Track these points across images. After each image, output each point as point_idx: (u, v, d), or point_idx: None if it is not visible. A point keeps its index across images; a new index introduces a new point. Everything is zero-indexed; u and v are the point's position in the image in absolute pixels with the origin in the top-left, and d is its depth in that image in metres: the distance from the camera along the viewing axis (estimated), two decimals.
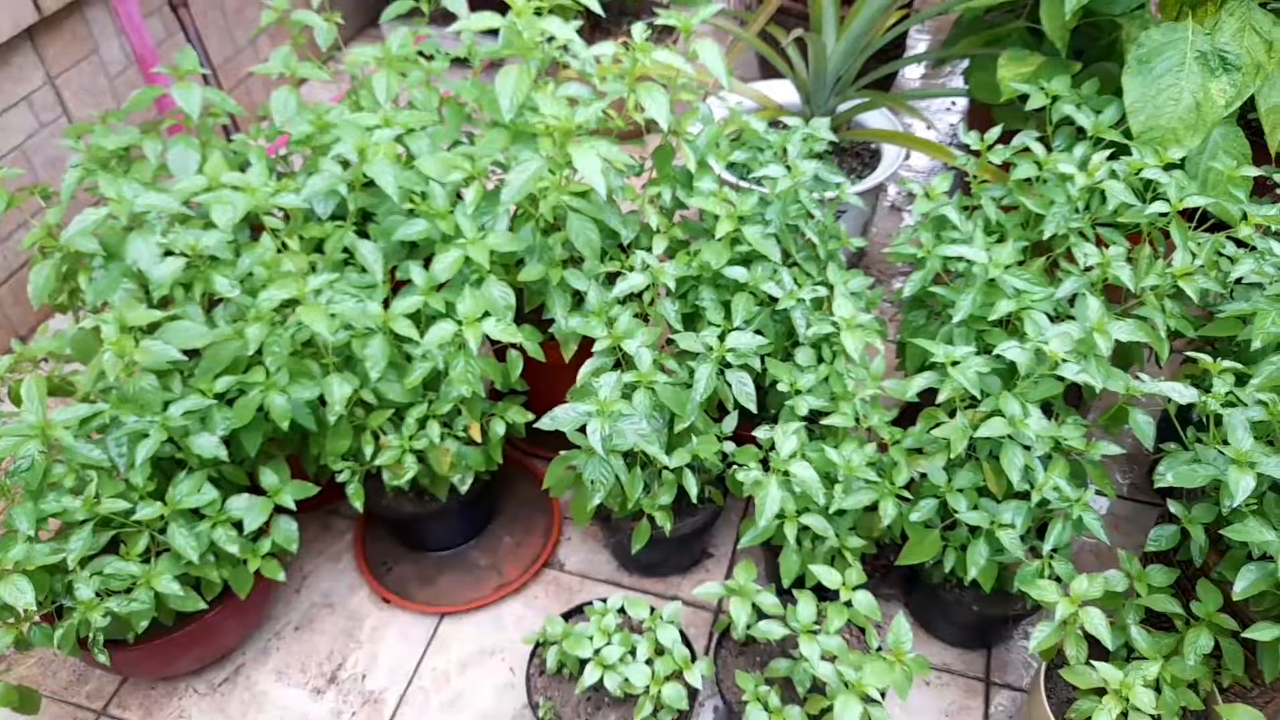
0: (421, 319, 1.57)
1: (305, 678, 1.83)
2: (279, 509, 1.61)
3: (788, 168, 1.68)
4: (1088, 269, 1.62)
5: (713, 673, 1.60)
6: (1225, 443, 1.33)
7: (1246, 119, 2.08)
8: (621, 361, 1.62)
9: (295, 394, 1.52)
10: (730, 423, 1.70)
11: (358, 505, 1.65)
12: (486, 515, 2.05)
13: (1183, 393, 1.37)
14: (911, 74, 3.42)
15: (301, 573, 2.01)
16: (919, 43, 3.59)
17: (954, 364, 1.45)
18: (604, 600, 1.62)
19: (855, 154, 2.48)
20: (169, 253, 1.56)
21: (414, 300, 1.55)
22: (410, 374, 1.55)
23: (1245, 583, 1.28)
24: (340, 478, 1.65)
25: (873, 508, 1.57)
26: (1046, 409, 1.66)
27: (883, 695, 1.54)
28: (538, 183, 1.59)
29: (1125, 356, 1.78)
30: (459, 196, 1.68)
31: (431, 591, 1.95)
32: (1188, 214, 1.81)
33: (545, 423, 1.44)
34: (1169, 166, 1.66)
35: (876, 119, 2.42)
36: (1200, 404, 1.35)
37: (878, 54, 2.38)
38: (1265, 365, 1.31)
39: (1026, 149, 1.73)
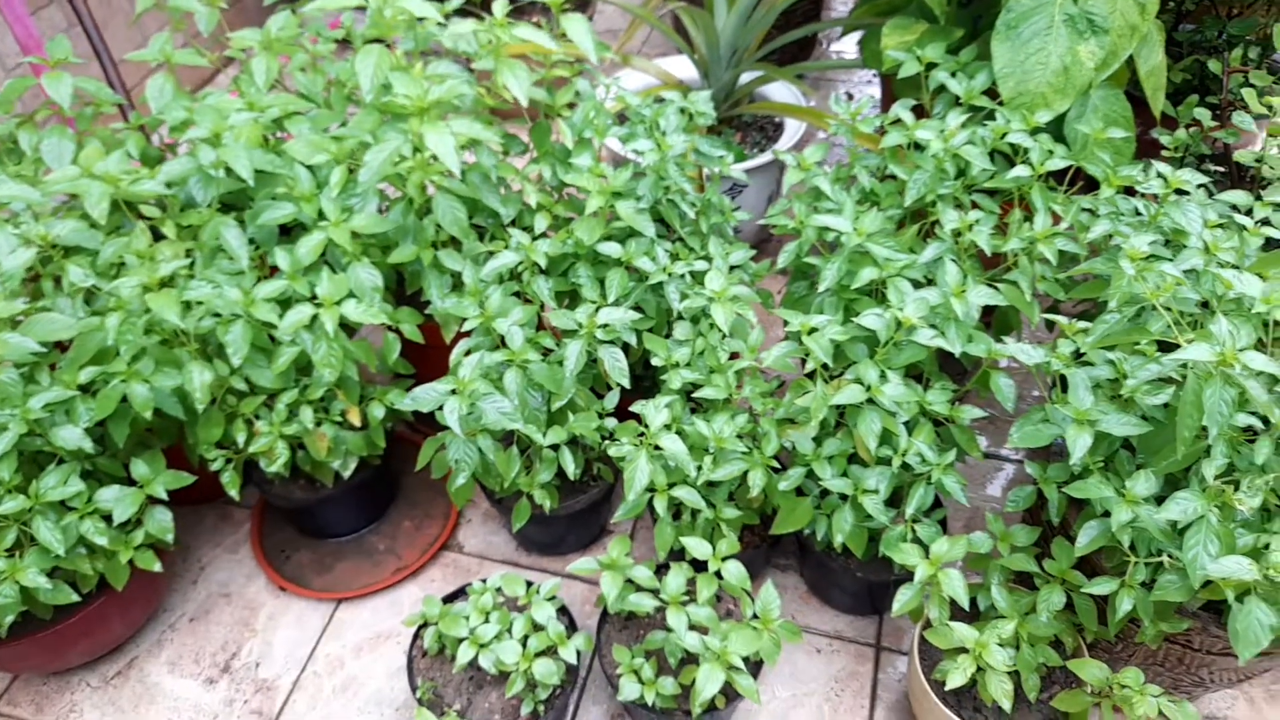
0: (292, 304, 1.56)
1: (199, 668, 1.82)
2: (153, 499, 1.60)
3: (657, 143, 1.67)
4: (956, 234, 1.62)
5: (592, 647, 1.60)
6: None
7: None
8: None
9: (158, 383, 1.51)
10: (612, 399, 1.70)
11: (233, 493, 1.65)
12: (385, 500, 2.04)
13: (1030, 353, 1.38)
14: (848, 42, 3.40)
15: (199, 564, 2.00)
16: (845, 7, 3.57)
17: (810, 332, 1.45)
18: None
19: (760, 128, 2.48)
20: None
21: (278, 285, 1.53)
22: (278, 359, 1.54)
23: (1086, 538, 1.29)
24: (214, 466, 1.64)
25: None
26: (919, 377, 1.67)
27: (759, 665, 1.57)
28: (399, 163, 1.58)
29: (1004, 323, 1.80)
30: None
31: (329, 578, 1.95)
32: (1063, 178, 1.83)
33: (405, 403, 1.44)
34: (1035, 131, 1.67)
35: (780, 91, 2.42)
36: (1044, 365, 1.37)
37: (794, 22, 2.37)
38: (1099, 324, 1.32)
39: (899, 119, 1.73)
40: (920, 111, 1.95)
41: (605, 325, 1.59)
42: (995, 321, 1.80)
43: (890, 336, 1.47)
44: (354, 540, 2.01)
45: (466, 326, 1.59)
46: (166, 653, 1.85)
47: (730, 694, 1.57)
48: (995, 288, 1.59)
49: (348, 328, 1.74)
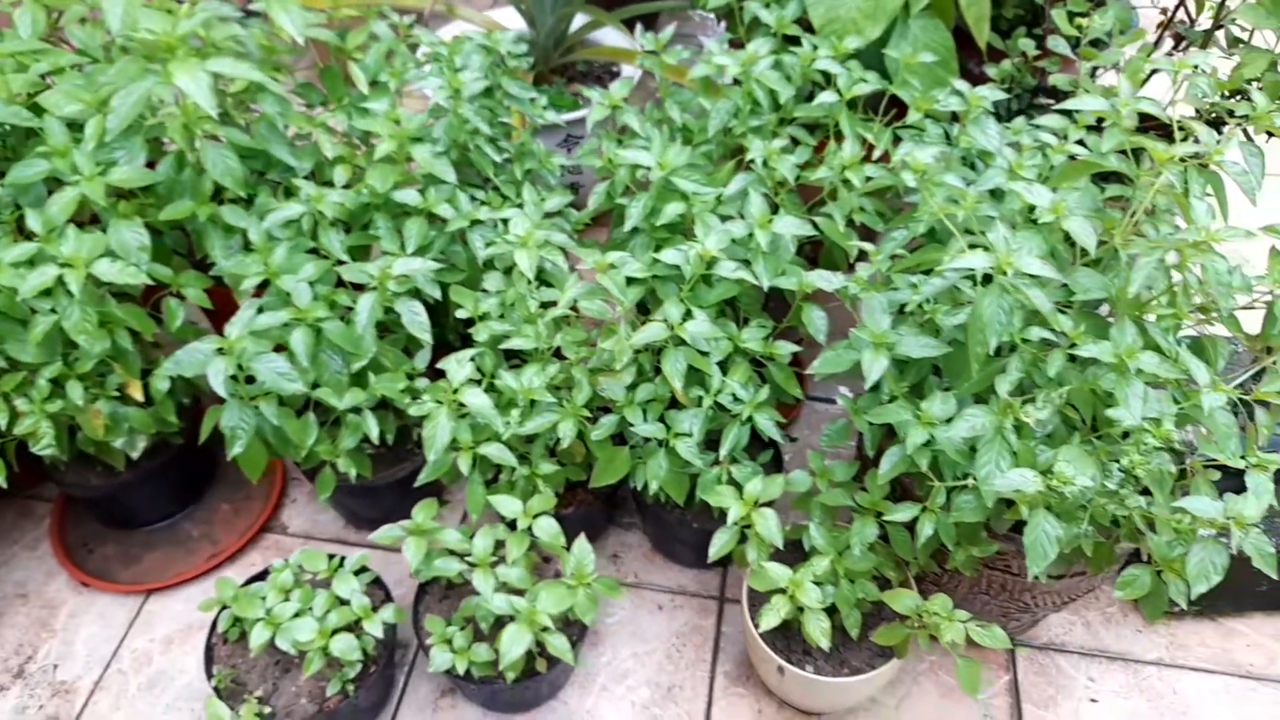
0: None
1: None
2: None
3: (449, 81, 1.57)
4: (769, 167, 1.56)
5: (405, 619, 1.51)
6: None
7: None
8: None
9: None
10: (423, 358, 1.60)
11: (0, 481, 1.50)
12: (199, 482, 1.91)
13: (830, 280, 1.33)
14: None
15: None
16: None
17: (607, 269, 1.37)
18: None
19: (597, 77, 2.39)
20: None
21: (28, 248, 1.39)
22: (34, 329, 1.39)
23: (888, 464, 1.25)
24: None
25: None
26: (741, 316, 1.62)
27: (583, 626, 1.49)
28: (159, 109, 1.44)
29: (831, 258, 1.75)
30: None
31: (137, 570, 1.81)
32: (881, 109, 1.78)
33: (167, 368, 1.31)
34: (846, 58, 1.61)
35: (613, 37, 2.34)
36: (842, 289, 1.32)
37: None
38: (886, 242, 1.28)
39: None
40: (739, 46, 1.88)
41: (401, 277, 1.48)
42: (822, 257, 1.75)
43: (696, 272, 1.40)
44: (166, 528, 1.87)
45: (247, 284, 1.47)
46: None
47: (553, 657, 1.50)
48: (812, 221, 1.53)
49: (127, 294, 1.59)
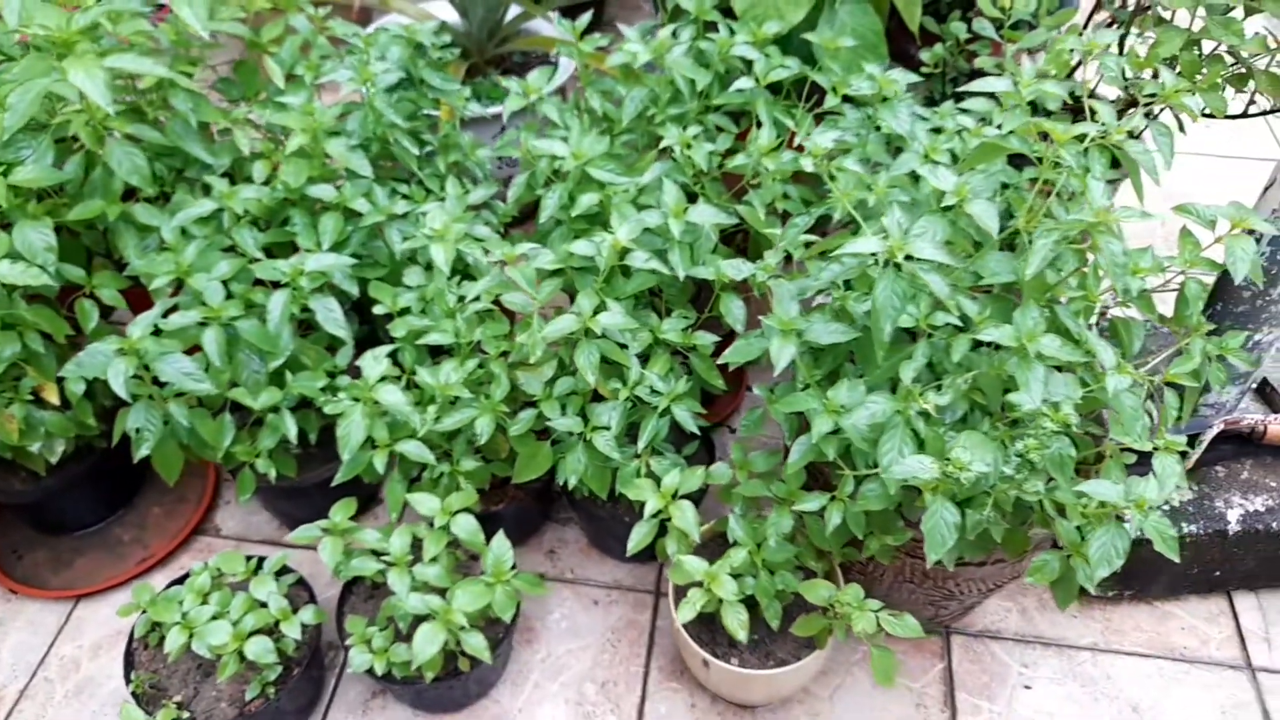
0: None
1: None
2: None
3: (359, 72, 1.55)
4: (689, 156, 1.54)
5: (326, 619, 1.49)
6: None
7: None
8: None
9: None
10: (345, 355, 1.58)
11: None
12: (130, 486, 1.88)
13: (739, 268, 1.31)
14: None
15: None
16: None
17: (519, 260, 1.36)
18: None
19: (535, 68, 2.36)
20: None
21: None
22: None
23: (797, 454, 1.24)
24: None
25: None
26: (660, 308, 1.60)
27: (511, 621, 1.47)
28: (62, 107, 1.42)
29: (758, 247, 1.73)
30: None
31: (68, 575, 1.78)
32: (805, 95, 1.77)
33: (69, 369, 1.29)
34: (766, 43, 1.60)
35: (548, 27, 2.31)
36: (751, 277, 1.30)
37: None
38: (789, 229, 1.26)
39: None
40: None
41: (315, 273, 1.46)
42: (750, 247, 1.74)
43: (609, 264, 1.38)
44: (97, 533, 1.85)
45: (158, 283, 1.44)
46: None
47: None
48: (734, 210, 1.52)
49: (42, 297, 1.57)
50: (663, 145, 1.47)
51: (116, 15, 1.43)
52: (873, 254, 1.07)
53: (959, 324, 1.20)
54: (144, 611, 1.47)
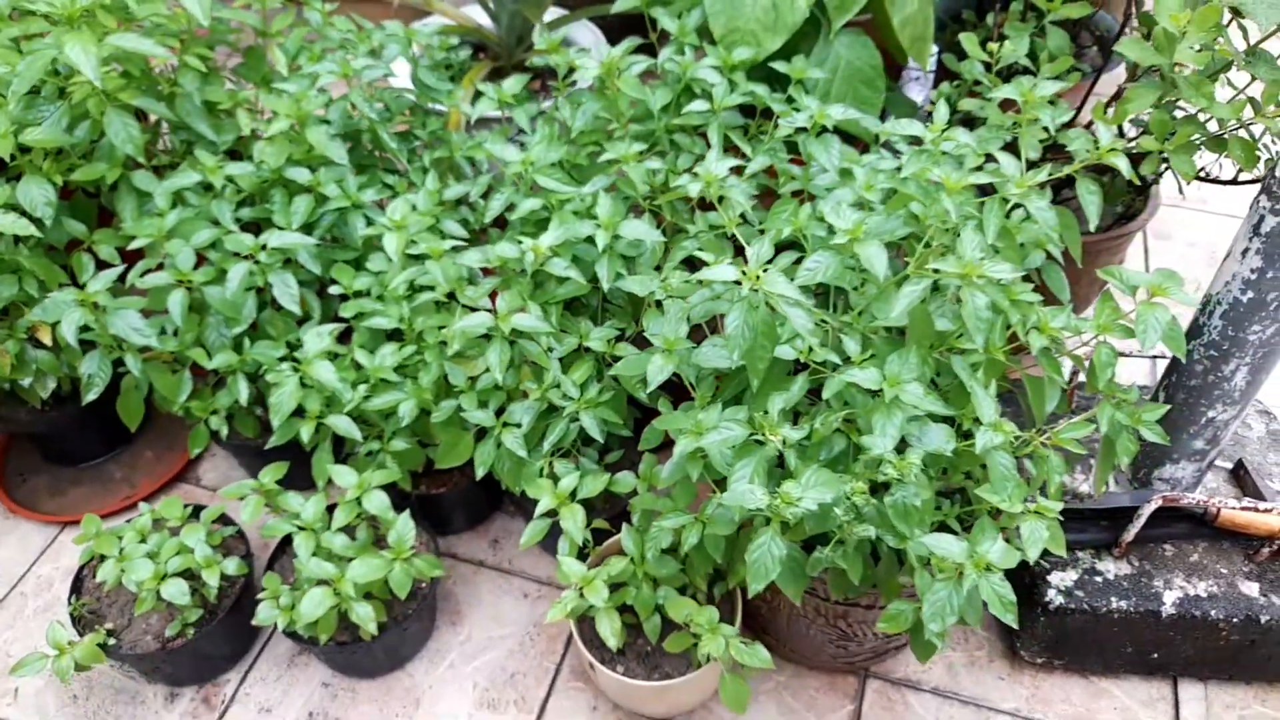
0: None
1: None
2: None
3: (342, 67, 1.64)
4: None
5: (246, 572, 1.60)
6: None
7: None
8: None
9: None
10: (309, 330, 1.68)
11: None
12: (126, 429, 2.03)
13: (644, 284, 1.34)
14: None
15: None
16: None
17: (440, 257, 1.42)
18: None
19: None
20: None
21: None
22: None
23: (667, 473, 1.26)
24: None
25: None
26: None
27: (427, 600, 1.54)
28: (70, 77, 1.56)
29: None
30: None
31: (60, 502, 1.95)
32: None
33: (35, 314, 1.43)
34: (734, 68, 1.61)
35: (582, 34, 2.38)
36: (650, 295, 1.33)
37: None
38: (677, 250, 1.27)
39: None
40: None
41: (274, 249, 1.56)
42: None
43: (534, 267, 1.43)
44: (95, 467, 2.01)
45: (136, 244, 1.58)
46: None
47: (387, 625, 1.55)
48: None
49: (51, 248, 1.72)
50: (603, 159, 1.50)
51: None
52: (734, 281, 1.08)
53: (838, 361, 1.20)
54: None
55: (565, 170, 1.60)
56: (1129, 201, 1.90)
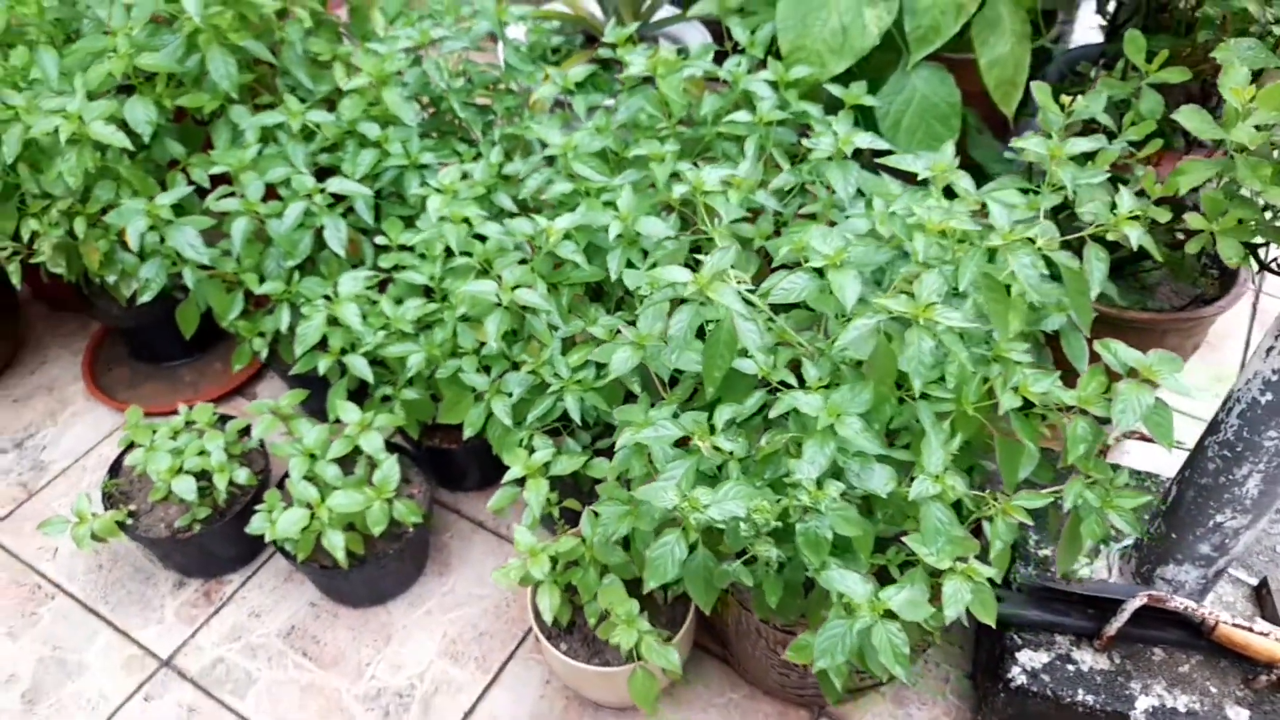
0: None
1: (0, 440, 2.08)
2: None
3: (421, 33, 1.74)
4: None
5: (253, 483, 1.72)
6: None
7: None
8: None
9: None
10: (349, 273, 1.79)
11: (15, 282, 1.86)
12: (208, 337, 2.22)
13: (638, 279, 1.37)
14: None
15: (43, 358, 2.26)
16: None
17: (463, 222, 1.49)
18: None
19: None
20: None
21: (56, 103, 1.71)
22: (50, 169, 1.73)
23: (614, 463, 1.28)
24: (2, 253, 1.86)
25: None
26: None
27: (417, 542, 1.62)
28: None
29: None
30: None
31: (133, 394, 2.16)
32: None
33: (112, 216, 1.59)
34: (789, 85, 1.62)
35: (690, 33, 2.42)
36: (636, 290, 1.35)
37: None
38: (656, 249, 1.28)
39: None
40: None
41: (328, 194, 1.68)
42: None
43: (547, 247, 1.49)
44: (169, 369, 2.21)
45: (214, 170, 1.73)
46: None
47: (365, 559, 1.65)
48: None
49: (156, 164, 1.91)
50: (632, 155, 1.54)
51: None
52: (682, 283, 1.10)
53: (794, 383, 1.20)
54: None
55: (608, 161, 1.65)
56: (1208, 284, 1.78)
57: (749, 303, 1.17)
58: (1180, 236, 1.61)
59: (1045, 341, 1.44)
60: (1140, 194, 1.44)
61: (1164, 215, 1.38)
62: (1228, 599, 1.58)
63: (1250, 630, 1.40)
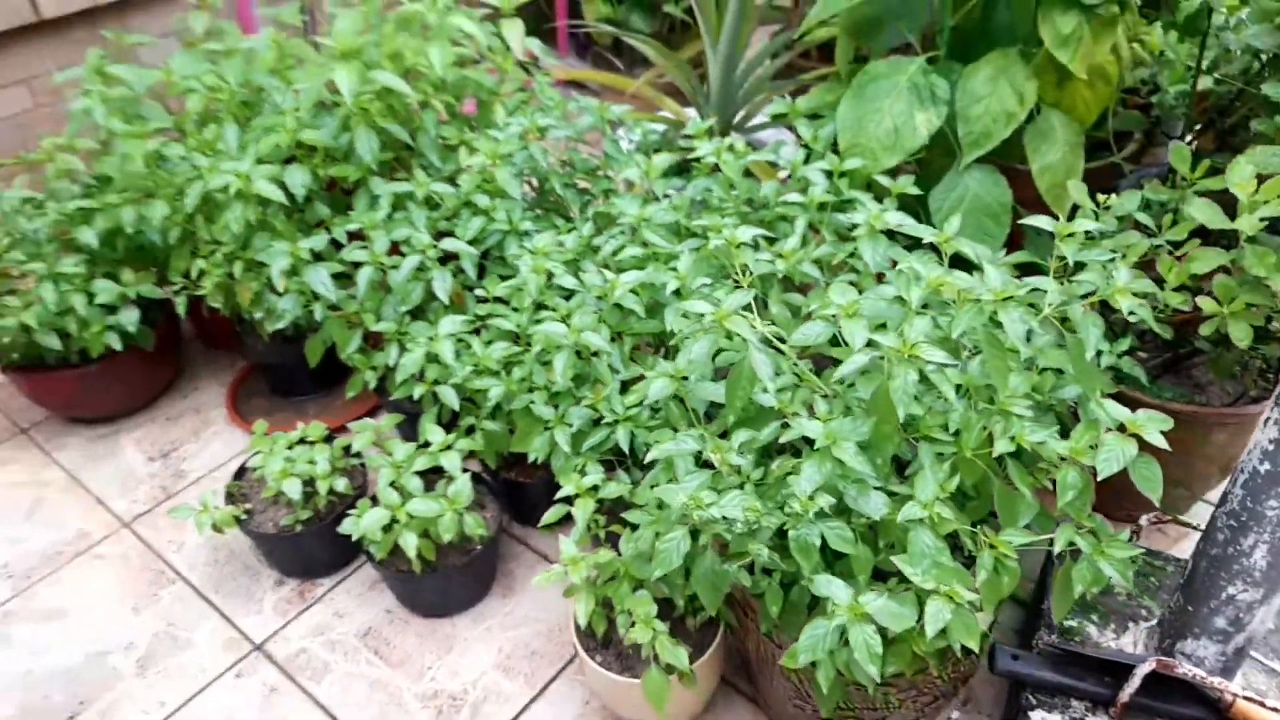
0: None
1: (149, 449, 2.41)
2: (130, 300, 2.21)
3: (530, 122, 2.04)
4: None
5: (352, 494, 1.96)
6: None
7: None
8: None
9: (143, 212, 2.11)
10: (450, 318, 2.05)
11: (180, 312, 2.21)
12: (334, 377, 2.53)
13: (681, 323, 1.57)
14: None
15: (195, 385, 2.61)
16: None
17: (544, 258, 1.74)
18: None
19: None
20: None
21: (231, 164, 2.07)
22: (220, 219, 2.09)
23: (648, 477, 1.45)
24: (173, 289, 2.22)
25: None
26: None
27: (485, 558, 1.83)
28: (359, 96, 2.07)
29: None
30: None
31: (266, 420, 2.46)
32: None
33: (258, 252, 1.91)
34: (843, 174, 1.81)
35: (781, 136, 2.66)
36: (664, 332, 1.55)
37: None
38: (681, 339, 1.46)
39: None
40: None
41: (438, 250, 1.97)
42: None
43: (610, 299, 1.71)
44: (300, 402, 2.52)
45: (350, 228, 2.05)
46: (138, 433, 2.46)
47: (435, 565, 1.85)
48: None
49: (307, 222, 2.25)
50: (695, 225, 1.76)
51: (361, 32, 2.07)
52: (700, 315, 1.29)
53: (805, 416, 1.35)
54: None
55: (678, 234, 1.87)
56: (1252, 383, 1.83)
57: (775, 348, 1.35)
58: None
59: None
60: (1159, 281, 1.55)
61: (1177, 299, 1.48)
62: (1259, 687, 1.58)
63: (1264, 705, 1.42)
